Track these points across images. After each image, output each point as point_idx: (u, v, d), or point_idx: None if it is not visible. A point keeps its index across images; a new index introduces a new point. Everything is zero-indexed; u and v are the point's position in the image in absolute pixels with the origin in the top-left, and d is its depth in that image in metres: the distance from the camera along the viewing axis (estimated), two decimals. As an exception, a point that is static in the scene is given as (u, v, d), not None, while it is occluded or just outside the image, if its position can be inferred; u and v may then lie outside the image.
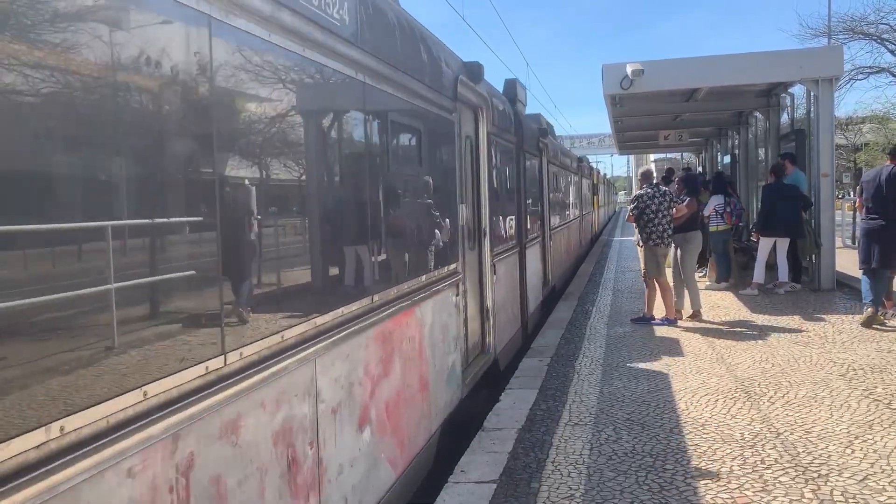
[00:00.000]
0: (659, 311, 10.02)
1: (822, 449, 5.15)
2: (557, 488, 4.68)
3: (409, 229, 4.91)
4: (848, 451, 5.09)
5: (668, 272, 10.07)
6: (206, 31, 2.52)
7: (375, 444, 4.10)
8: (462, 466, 5.09)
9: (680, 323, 9.87)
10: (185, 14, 2.42)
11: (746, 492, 4.50)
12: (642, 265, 10.29)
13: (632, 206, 10.14)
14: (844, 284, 12.08)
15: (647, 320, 9.97)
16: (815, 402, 6.23)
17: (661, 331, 9.33)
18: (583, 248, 22.13)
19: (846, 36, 30.06)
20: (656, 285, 9.95)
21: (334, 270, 3.76)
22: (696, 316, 10.04)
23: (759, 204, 12.69)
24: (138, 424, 2.06)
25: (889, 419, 5.69)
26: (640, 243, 10.04)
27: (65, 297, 1.89)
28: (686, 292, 10.16)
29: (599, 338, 9.30)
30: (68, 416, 1.79)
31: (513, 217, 9.06)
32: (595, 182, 30.88)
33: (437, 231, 5.51)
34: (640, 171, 10.67)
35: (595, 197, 30.48)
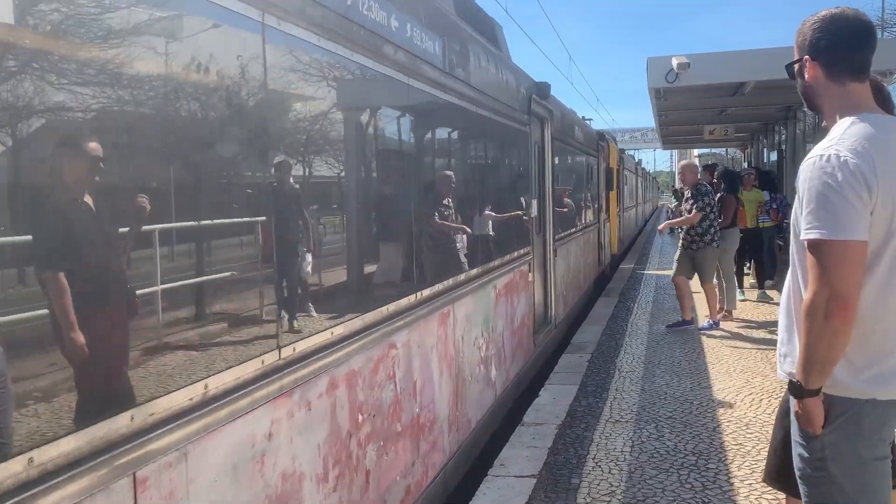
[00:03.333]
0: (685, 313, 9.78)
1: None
2: (598, 485, 4.65)
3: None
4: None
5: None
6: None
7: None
8: (501, 460, 5.10)
9: (722, 322, 9.71)
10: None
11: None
12: (676, 268, 9.47)
13: (696, 203, 9.18)
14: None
15: (687, 324, 9.46)
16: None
17: (704, 329, 9.20)
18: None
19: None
20: (686, 287, 9.38)
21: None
22: (728, 316, 9.86)
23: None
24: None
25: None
26: (693, 245, 9.26)
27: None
28: (725, 291, 9.98)
29: (641, 335, 9.21)
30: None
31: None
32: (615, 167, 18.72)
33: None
34: (690, 164, 9.82)
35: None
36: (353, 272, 3.64)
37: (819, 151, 2.21)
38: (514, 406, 6.63)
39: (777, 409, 2.57)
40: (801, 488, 2.42)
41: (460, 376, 5.11)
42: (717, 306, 9.54)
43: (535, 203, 7.87)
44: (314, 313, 3.03)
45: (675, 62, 11.62)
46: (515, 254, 6.87)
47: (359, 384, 3.34)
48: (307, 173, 3.09)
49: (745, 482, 4.60)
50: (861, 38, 2.32)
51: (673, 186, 11.70)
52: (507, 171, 7.13)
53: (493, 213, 6.23)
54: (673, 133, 24.18)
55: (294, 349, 2.76)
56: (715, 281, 9.64)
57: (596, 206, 14.10)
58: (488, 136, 6.28)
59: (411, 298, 4.11)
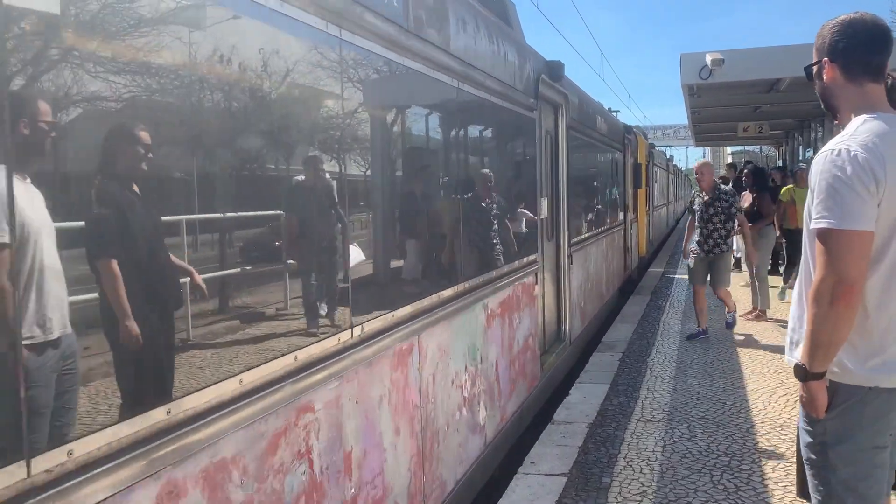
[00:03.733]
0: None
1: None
2: (629, 484, 4.62)
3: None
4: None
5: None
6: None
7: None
8: (532, 458, 5.09)
9: (755, 322, 9.58)
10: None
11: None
12: (693, 275, 8.80)
13: (725, 208, 8.42)
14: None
15: (703, 334, 8.76)
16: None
17: (737, 328, 9.08)
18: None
19: (943, 22, 28.52)
20: (704, 295, 8.76)
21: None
22: (761, 316, 9.70)
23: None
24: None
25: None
26: (715, 250, 8.53)
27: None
28: (759, 290, 9.81)
29: (673, 333, 9.12)
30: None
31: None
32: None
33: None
34: (708, 164, 8.98)
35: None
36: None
37: (831, 146, 2.32)
38: (546, 404, 6.61)
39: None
40: (807, 473, 2.51)
41: (428, 429, 3.85)
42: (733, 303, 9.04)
43: (544, 202, 6.69)
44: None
45: (708, 58, 11.49)
46: (516, 263, 5.57)
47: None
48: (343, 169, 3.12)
49: (779, 484, 4.54)
50: (878, 42, 2.43)
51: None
52: (505, 165, 5.80)
53: (484, 216, 4.99)
54: (706, 130, 23.88)
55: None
56: (747, 279, 9.52)
57: (622, 204, 13.00)
58: (477, 121, 4.97)
59: (340, 338, 2.91)
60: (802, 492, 2.69)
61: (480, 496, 4.75)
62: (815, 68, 2.54)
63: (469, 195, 4.69)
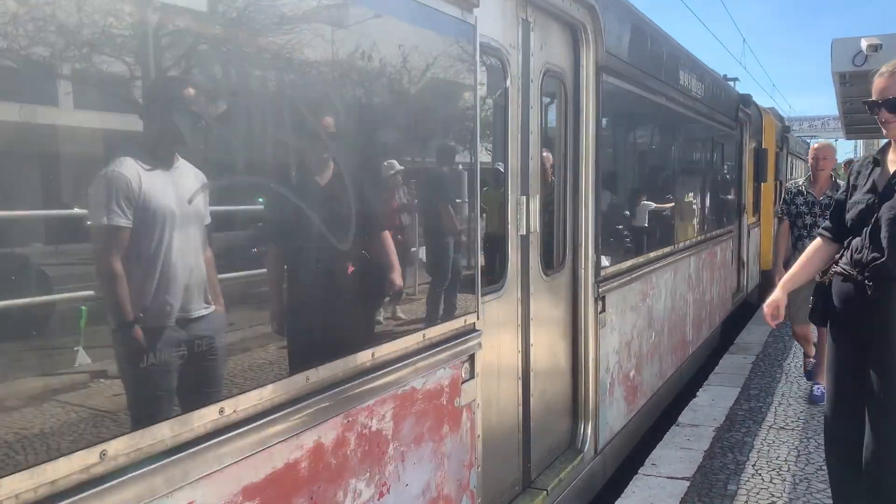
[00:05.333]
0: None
1: None
2: (757, 493, 4.40)
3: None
4: None
5: None
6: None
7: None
8: (653, 459, 4.96)
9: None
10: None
11: None
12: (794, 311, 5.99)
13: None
14: None
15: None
16: None
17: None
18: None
19: None
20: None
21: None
22: None
23: None
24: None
25: None
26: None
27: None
28: None
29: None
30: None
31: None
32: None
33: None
34: (829, 146, 6.48)
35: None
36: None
37: None
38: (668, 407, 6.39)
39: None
40: None
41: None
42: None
43: (526, 206, 3.73)
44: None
45: (864, 43, 10.68)
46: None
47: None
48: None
49: (929, 506, 4.18)
50: None
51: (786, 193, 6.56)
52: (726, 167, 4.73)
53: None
54: (858, 122, 22.20)
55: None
56: None
57: (736, 204, 9.59)
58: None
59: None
60: None
61: (597, 499, 4.67)
62: None
63: None
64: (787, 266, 5.25)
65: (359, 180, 2.49)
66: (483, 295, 3.28)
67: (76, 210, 1.75)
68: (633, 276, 5.22)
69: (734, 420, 5.74)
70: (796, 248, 6.02)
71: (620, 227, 5.28)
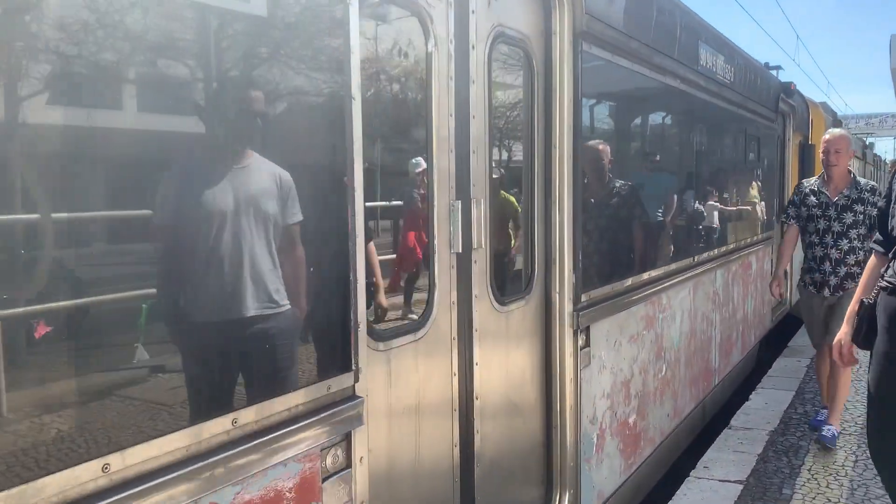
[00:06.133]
0: None
1: None
2: (814, 498, 4.32)
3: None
4: None
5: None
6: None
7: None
8: (705, 462, 4.90)
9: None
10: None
11: None
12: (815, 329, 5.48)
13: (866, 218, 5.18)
14: None
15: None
16: None
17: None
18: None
19: None
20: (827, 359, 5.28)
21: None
22: None
23: None
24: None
25: None
26: (843, 285, 5.16)
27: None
28: None
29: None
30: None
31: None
32: None
33: None
34: (845, 136, 5.39)
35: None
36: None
37: None
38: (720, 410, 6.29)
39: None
40: None
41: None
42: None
43: (460, 210, 2.88)
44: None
45: (925, 39, 10.37)
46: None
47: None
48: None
49: None
50: None
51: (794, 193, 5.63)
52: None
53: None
54: (919, 119, 21.51)
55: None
56: None
57: (773, 205, 8.30)
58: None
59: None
60: None
61: (646, 502, 4.64)
62: None
63: None
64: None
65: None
66: (386, 340, 2.47)
67: (135, 211, 1.71)
68: (633, 298, 4.18)
69: (788, 423, 5.64)
70: (806, 257, 5.30)
71: (615, 237, 4.22)
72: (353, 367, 2.22)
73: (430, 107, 2.66)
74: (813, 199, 5.24)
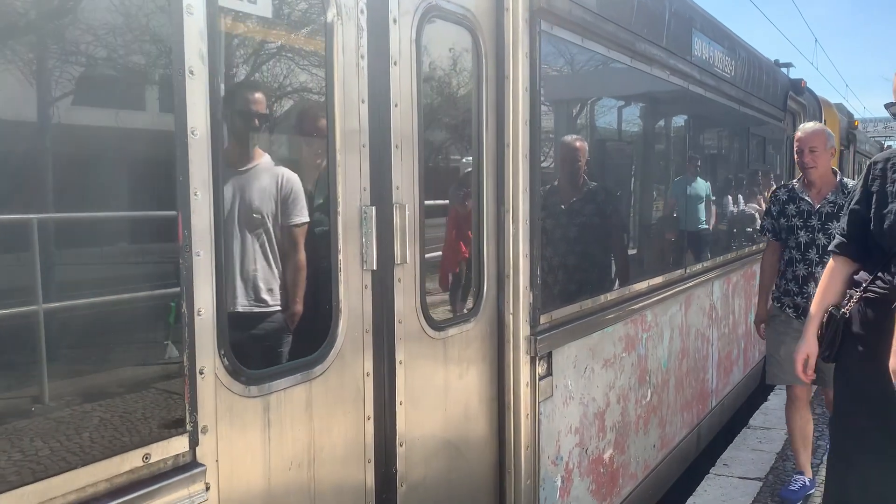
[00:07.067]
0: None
1: None
2: (832, 494, 4.08)
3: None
4: None
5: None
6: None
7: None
8: (724, 460, 4.99)
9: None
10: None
11: None
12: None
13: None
14: None
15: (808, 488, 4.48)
16: None
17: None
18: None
19: None
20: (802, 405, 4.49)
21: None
22: None
23: None
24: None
25: None
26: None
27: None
28: None
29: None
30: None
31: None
32: None
33: None
34: (824, 131, 4.29)
35: None
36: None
37: None
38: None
39: None
40: None
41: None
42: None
43: (375, 218, 2.41)
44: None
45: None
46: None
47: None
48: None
49: None
50: None
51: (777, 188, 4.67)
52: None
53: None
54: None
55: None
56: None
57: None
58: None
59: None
60: None
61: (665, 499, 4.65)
62: None
63: None
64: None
65: None
66: (261, 383, 2.00)
67: (161, 212, 1.75)
68: (608, 317, 3.65)
69: (807, 422, 5.41)
70: (785, 276, 4.30)
71: (588, 249, 3.77)
72: (193, 428, 1.77)
73: (333, 91, 2.21)
74: (792, 206, 4.31)
